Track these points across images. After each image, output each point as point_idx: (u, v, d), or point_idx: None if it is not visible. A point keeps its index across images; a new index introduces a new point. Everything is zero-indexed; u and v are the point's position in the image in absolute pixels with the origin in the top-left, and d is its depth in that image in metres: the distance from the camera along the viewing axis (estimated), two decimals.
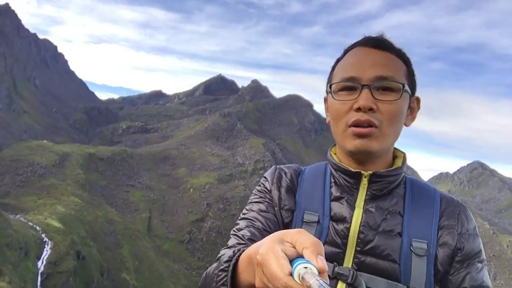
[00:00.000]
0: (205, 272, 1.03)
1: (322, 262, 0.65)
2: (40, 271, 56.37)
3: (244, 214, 1.23)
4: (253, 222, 1.16)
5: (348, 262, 1.09)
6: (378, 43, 1.14)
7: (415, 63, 1.17)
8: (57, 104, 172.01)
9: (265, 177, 1.31)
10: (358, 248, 1.09)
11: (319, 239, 1.06)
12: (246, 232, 1.13)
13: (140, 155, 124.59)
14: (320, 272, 0.64)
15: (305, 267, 0.64)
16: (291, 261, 0.67)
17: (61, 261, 59.49)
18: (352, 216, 1.12)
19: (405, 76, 1.13)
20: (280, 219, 1.20)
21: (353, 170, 1.14)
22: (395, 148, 1.25)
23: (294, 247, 0.70)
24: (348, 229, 1.11)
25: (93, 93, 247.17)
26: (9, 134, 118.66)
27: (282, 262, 0.66)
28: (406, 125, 1.18)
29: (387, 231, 1.09)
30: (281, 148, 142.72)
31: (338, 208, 1.15)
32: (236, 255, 0.88)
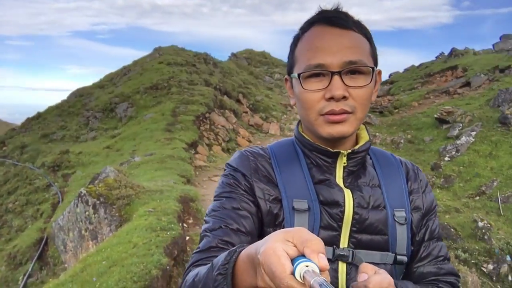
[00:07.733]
0: (184, 281, 0.95)
1: (323, 261, 0.64)
2: None
3: (215, 211, 1.11)
4: (226, 221, 1.07)
5: (344, 242, 1.08)
6: (339, 21, 1.07)
7: None
8: None
9: (232, 167, 1.16)
10: (354, 228, 1.08)
11: (313, 225, 1.06)
12: (219, 233, 1.05)
13: None
14: (321, 270, 0.64)
15: (307, 266, 0.63)
16: (293, 260, 0.65)
17: None
18: (344, 199, 1.09)
19: (370, 53, 1.09)
20: (259, 215, 1.11)
21: (332, 150, 1.10)
22: None
23: (295, 246, 0.68)
24: (343, 212, 1.09)
25: None
26: None
27: (283, 261, 0.65)
28: (372, 101, 1.14)
29: (375, 206, 1.11)
30: None
31: (327, 191, 1.10)
32: (234, 257, 0.82)
